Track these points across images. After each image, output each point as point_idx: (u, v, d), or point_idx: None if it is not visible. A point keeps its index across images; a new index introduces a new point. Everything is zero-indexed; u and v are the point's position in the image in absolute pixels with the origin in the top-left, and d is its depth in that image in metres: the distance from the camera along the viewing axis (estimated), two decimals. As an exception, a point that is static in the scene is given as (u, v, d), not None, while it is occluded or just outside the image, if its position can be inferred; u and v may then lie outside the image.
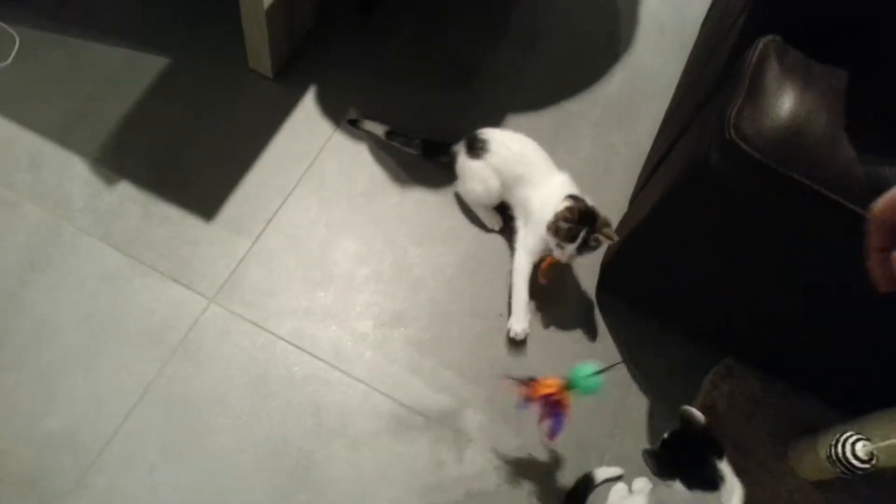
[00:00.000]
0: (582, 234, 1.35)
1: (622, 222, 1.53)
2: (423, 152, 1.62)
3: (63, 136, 1.58)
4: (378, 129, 1.63)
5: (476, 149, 1.52)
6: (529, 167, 1.50)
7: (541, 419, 1.22)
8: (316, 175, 1.61)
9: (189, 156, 1.60)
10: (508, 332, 1.47)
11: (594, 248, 1.39)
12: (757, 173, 0.95)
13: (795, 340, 1.34)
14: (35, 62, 1.67)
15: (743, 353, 1.47)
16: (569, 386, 1.19)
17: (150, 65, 1.70)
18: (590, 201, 1.42)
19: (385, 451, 1.36)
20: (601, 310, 1.54)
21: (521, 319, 1.45)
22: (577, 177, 1.66)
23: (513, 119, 1.74)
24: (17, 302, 1.41)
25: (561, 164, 1.68)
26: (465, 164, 1.54)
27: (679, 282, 1.38)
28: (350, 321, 1.47)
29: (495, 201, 1.57)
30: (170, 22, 1.77)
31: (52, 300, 1.42)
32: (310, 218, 1.57)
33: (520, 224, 1.53)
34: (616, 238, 1.38)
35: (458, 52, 1.83)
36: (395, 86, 1.76)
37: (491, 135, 1.53)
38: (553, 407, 1.20)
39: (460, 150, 1.56)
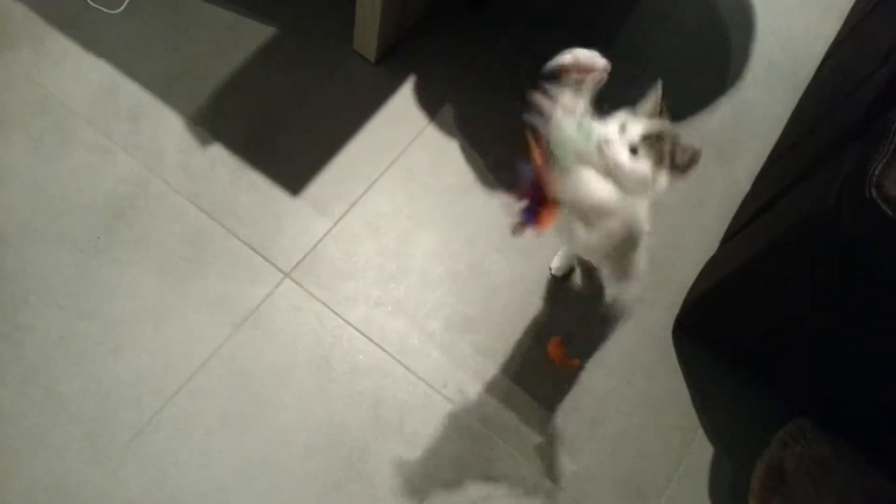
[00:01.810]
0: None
1: (711, 262, 1.47)
2: None
3: (164, 91, 1.59)
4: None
5: None
6: None
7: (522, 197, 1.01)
8: (404, 165, 1.60)
9: (283, 128, 1.59)
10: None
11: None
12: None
13: (883, 412, 1.28)
14: (145, 14, 1.69)
15: (820, 416, 1.41)
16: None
17: (256, 32, 1.70)
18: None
19: (439, 455, 1.34)
20: (675, 345, 1.50)
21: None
22: (667, 207, 1.62)
23: (609, 138, 1.69)
24: (98, 249, 1.42)
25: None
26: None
27: (768, 333, 1.32)
28: (420, 318, 1.45)
29: None
30: (279, -9, 1.77)
31: (132, 252, 1.43)
32: (393, 207, 1.55)
33: None
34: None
35: (561, 62, 1.79)
36: (492, 87, 1.73)
37: None
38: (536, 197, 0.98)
39: None
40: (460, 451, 1.34)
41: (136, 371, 1.33)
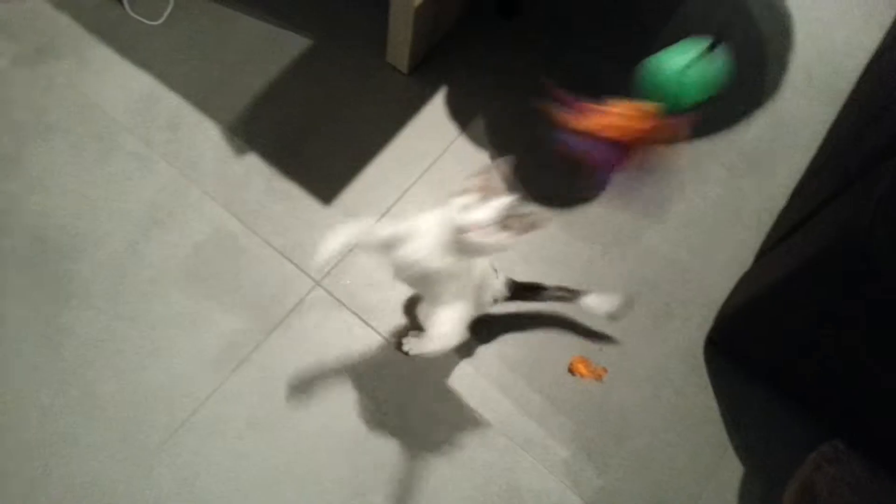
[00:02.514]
0: None
1: (745, 278, 1.45)
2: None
3: (202, 100, 1.63)
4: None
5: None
6: None
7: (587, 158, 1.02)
8: (435, 176, 1.61)
9: (317, 138, 1.62)
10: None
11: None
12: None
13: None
14: (185, 25, 1.73)
15: (854, 438, 1.37)
16: (661, 108, 0.94)
17: (292, 43, 1.73)
18: None
19: (462, 466, 1.34)
20: (706, 361, 1.48)
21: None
22: (702, 218, 1.60)
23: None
24: (137, 253, 1.46)
25: (687, 203, 1.63)
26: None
27: (802, 351, 1.30)
28: (448, 328, 1.45)
29: None
30: (315, 4, 1.79)
31: (169, 257, 1.46)
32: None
33: None
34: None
35: (590, 75, 1.78)
36: (523, 99, 1.72)
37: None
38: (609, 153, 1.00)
39: None
40: (486, 462, 1.34)
41: (170, 375, 1.36)
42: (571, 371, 1.43)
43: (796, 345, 1.29)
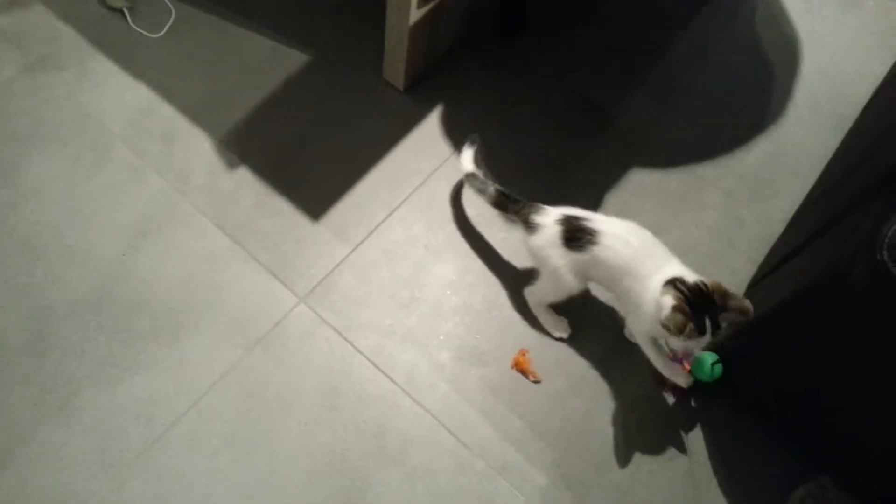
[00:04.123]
0: (707, 321, 1.16)
1: (735, 307, 1.42)
2: (495, 202, 1.44)
3: (197, 114, 1.64)
4: (467, 166, 1.47)
5: (579, 240, 1.30)
6: (646, 260, 1.27)
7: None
8: (425, 195, 1.60)
9: (308, 154, 1.62)
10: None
11: (728, 327, 1.19)
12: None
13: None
14: (185, 38, 1.75)
15: (842, 475, 1.34)
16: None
17: (291, 58, 1.74)
18: (691, 277, 1.22)
19: (439, 491, 1.32)
20: (692, 391, 1.44)
21: (677, 375, 1.36)
22: (696, 246, 1.58)
23: (636, 175, 1.66)
24: (123, 265, 1.47)
25: (682, 230, 1.60)
26: (558, 256, 1.33)
27: (789, 384, 1.27)
28: (430, 349, 1.44)
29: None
30: (317, 19, 1.80)
31: (154, 269, 1.47)
32: (411, 236, 1.55)
33: (625, 311, 1.38)
34: (751, 308, 1.15)
35: (588, 98, 1.76)
36: (518, 121, 1.72)
37: (600, 224, 1.31)
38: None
39: (543, 232, 1.35)
40: (461, 487, 1.33)
41: (149, 388, 1.36)
42: (515, 365, 1.43)
43: (783, 378, 1.26)
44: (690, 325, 1.15)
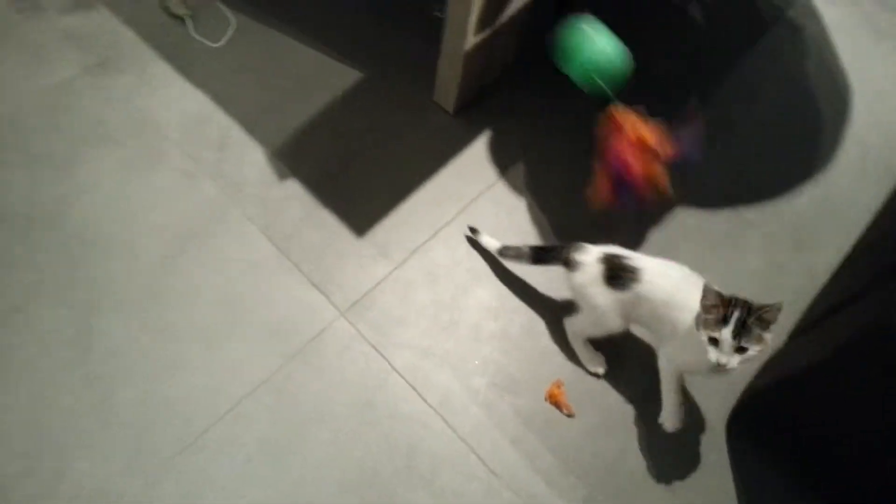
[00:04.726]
0: (735, 315, 1.13)
1: (776, 356, 1.41)
2: (535, 261, 1.47)
3: (252, 123, 1.67)
4: (492, 245, 1.53)
5: (621, 278, 1.31)
6: (686, 294, 1.25)
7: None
8: (470, 218, 1.61)
9: (356, 169, 1.64)
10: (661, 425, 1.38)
11: (759, 339, 1.13)
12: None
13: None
14: (242, 49, 1.79)
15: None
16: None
17: (344, 75, 1.77)
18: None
19: (466, 516, 1.32)
20: (728, 439, 1.43)
21: (671, 417, 1.35)
22: (735, 291, 1.56)
23: (681, 214, 1.66)
24: (171, 265, 1.50)
25: (722, 272, 1.59)
26: (600, 295, 1.34)
27: (826, 443, 1.25)
28: (466, 373, 1.45)
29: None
30: (372, 37, 1.84)
31: (201, 273, 1.49)
32: (453, 259, 1.56)
33: (660, 341, 1.36)
34: (776, 316, 1.13)
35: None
36: (566, 150, 1.73)
37: (641, 262, 1.31)
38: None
39: (585, 270, 1.36)
40: (489, 515, 1.32)
41: (188, 389, 1.38)
42: (549, 397, 1.42)
43: (821, 434, 1.24)
44: (720, 308, 1.14)
